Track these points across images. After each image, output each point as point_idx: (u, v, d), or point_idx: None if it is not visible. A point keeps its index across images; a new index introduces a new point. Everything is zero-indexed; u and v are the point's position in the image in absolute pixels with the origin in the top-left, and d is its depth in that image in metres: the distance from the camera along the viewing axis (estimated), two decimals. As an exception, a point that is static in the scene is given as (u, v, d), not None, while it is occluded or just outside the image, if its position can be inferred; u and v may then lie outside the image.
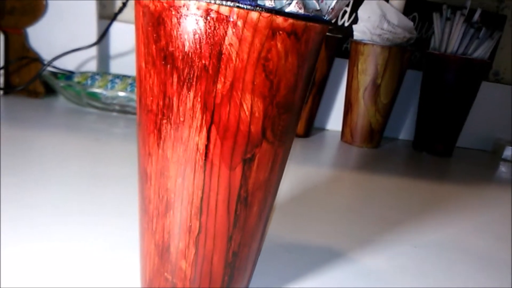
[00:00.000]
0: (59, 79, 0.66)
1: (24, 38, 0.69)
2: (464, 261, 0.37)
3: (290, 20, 0.21)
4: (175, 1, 0.21)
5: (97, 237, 0.32)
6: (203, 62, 0.22)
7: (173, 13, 0.21)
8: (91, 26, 0.71)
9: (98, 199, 0.38)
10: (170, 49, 0.22)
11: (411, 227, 0.44)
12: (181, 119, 0.23)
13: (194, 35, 0.21)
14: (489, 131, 0.81)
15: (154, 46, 0.23)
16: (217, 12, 0.21)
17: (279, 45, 0.22)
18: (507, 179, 0.66)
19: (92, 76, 0.66)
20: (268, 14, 0.21)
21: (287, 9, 0.21)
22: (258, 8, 0.20)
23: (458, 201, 0.52)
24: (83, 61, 0.73)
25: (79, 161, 0.46)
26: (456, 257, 0.37)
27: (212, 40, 0.21)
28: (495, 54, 0.79)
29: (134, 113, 0.66)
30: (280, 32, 0.21)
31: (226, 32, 0.21)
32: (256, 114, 0.23)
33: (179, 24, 0.21)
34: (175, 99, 0.23)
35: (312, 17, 0.22)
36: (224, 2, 0.20)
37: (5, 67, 0.65)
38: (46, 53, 0.70)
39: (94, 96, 0.63)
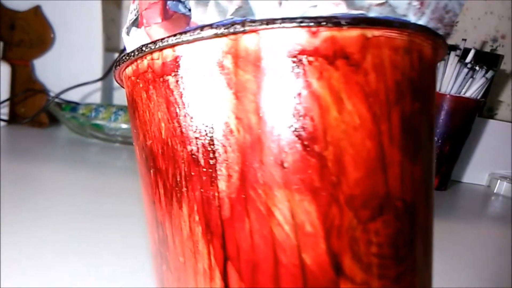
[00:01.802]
0: (64, 110, 0.65)
1: (30, 69, 0.69)
2: None
3: (324, 33, 0.11)
4: (139, 65, 0.13)
5: (98, 276, 0.29)
6: (189, 148, 0.12)
7: (141, 85, 0.13)
8: (97, 59, 0.70)
9: (100, 235, 0.35)
10: (148, 143, 0.13)
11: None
12: (181, 259, 0.13)
13: (168, 107, 0.12)
14: (484, 166, 0.81)
15: (137, 148, 0.15)
16: (189, 57, 0.12)
17: (315, 83, 0.11)
18: (499, 213, 0.64)
19: (97, 108, 0.65)
20: (273, 30, 0.11)
21: (314, 12, 0.11)
22: (249, 23, 0.11)
23: (451, 236, 0.49)
24: (88, 92, 0.72)
25: (81, 194, 0.44)
26: None
27: (192, 107, 0.12)
28: (489, 91, 0.78)
29: None
30: (310, 58, 0.11)
31: (210, 86, 0.11)
32: (308, 228, 0.11)
33: (150, 99, 0.13)
34: (167, 225, 0.13)
35: (373, 19, 0.11)
36: (190, 35, 0.11)
37: (11, 98, 0.65)
38: (52, 84, 0.70)
39: (97, 127, 0.62)
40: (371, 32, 0.11)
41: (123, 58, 0.14)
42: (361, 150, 0.11)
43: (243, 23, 0.11)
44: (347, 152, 0.11)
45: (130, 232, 0.36)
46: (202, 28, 0.11)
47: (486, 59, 0.73)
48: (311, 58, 0.11)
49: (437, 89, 0.69)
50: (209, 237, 0.12)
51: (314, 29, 0.11)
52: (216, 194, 0.12)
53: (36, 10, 0.68)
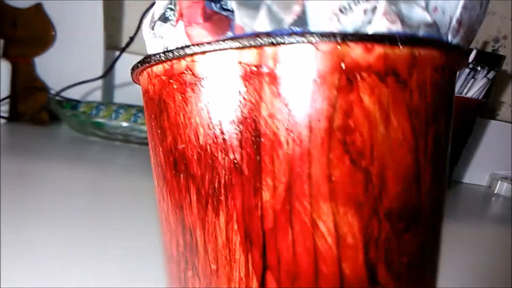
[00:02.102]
0: (65, 108, 0.65)
1: (32, 67, 0.69)
2: None
3: (378, 50, 0.11)
4: (175, 66, 0.12)
5: (98, 273, 0.28)
6: (231, 157, 0.12)
7: (175, 86, 0.13)
8: (98, 57, 0.70)
9: (100, 233, 0.35)
10: (180, 146, 0.13)
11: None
12: (213, 267, 0.13)
13: (209, 112, 0.12)
14: (485, 166, 0.81)
15: (161, 149, 0.14)
16: (240, 63, 0.11)
17: (366, 99, 0.11)
18: (500, 214, 0.64)
19: (97, 106, 0.65)
20: (331, 45, 0.11)
21: (369, 30, 0.11)
22: (308, 36, 0.11)
23: (451, 236, 0.48)
24: (89, 90, 0.72)
25: (82, 192, 0.44)
26: None
27: (240, 114, 0.12)
28: (491, 92, 0.77)
29: (136, 143, 0.63)
30: (364, 74, 0.11)
31: (260, 95, 0.11)
32: (349, 240, 0.12)
33: (186, 102, 0.12)
34: (198, 231, 0.13)
35: (419, 38, 0.12)
36: (244, 42, 0.11)
37: (12, 95, 0.65)
38: (53, 82, 0.69)
39: (98, 125, 0.62)
40: (418, 51, 0.12)
41: (153, 56, 0.13)
42: (401, 165, 0.12)
43: (302, 34, 0.11)
44: (390, 167, 0.12)
45: (131, 229, 0.36)
46: (257, 35, 0.11)
47: (488, 59, 0.71)
48: (364, 74, 0.11)
49: None
50: (248, 246, 0.12)
51: (369, 45, 0.11)
52: (259, 204, 0.12)
53: (38, 8, 0.67)
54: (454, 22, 0.12)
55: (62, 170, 0.49)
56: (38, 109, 0.66)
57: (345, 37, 0.11)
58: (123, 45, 0.68)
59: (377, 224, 0.12)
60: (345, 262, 0.12)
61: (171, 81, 0.13)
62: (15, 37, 0.67)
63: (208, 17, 0.12)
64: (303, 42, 0.11)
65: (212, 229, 0.13)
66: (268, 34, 0.11)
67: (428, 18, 0.12)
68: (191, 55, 0.12)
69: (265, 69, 0.11)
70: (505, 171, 0.81)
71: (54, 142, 0.61)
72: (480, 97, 0.68)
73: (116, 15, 0.77)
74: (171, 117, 0.13)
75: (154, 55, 0.13)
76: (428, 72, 0.12)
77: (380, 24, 0.11)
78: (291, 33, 0.11)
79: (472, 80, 0.66)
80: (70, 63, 0.70)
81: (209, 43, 0.11)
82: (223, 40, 0.11)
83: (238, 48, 0.11)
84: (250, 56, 0.11)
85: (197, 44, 0.12)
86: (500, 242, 0.51)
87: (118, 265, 0.29)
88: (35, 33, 0.68)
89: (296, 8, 0.11)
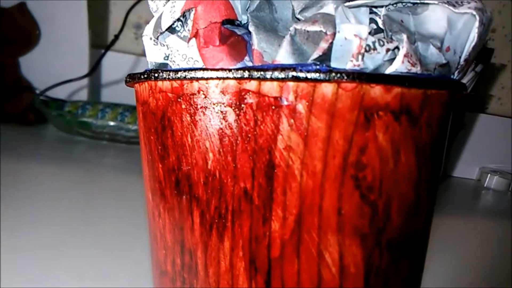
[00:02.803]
0: (50, 108, 0.64)
1: (16, 67, 0.67)
2: None
3: (397, 89, 0.11)
4: (185, 86, 0.12)
5: (83, 273, 0.28)
6: (242, 185, 0.12)
7: (184, 106, 0.12)
8: (84, 55, 0.69)
9: (86, 232, 0.35)
10: (185, 168, 0.13)
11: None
12: (215, 284, 0.13)
13: (221, 139, 0.12)
14: (475, 160, 0.81)
15: (160, 166, 0.13)
16: (258, 93, 0.11)
17: (380, 137, 0.11)
18: (490, 207, 0.65)
19: (83, 105, 0.64)
20: (354, 84, 0.11)
21: (390, 69, 0.11)
22: (334, 74, 0.10)
23: (442, 229, 0.49)
24: (74, 90, 0.70)
25: (68, 192, 0.44)
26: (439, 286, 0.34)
27: (254, 144, 0.11)
28: (480, 86, 0.76)
29: (123, 142, 0.63)
30: (381, 113, 0.11)
31: (277, 126, 0.11)
32: (352, 269, 0.12)
33: (195, 124, 0.12)
34: (199, 254, 0.13)
35: (435, 79, 0.12)
36: (268, 74, 0.11)
37: None
38: (38, 82, 0.68)
39: (84, 125, 0.61)
40: (430, 90, 0.12)
41: (161, 73, 0.12)
42: (405, 198, 0.12)
43: (327, 73, 0.10)
44: (395, 200, 0.12)
45: (118, 229, 0.35)
46: (283, 69, 0.10)
47: (478, 53, 0.75)
48: (381, 113, 0.11)
49: None
50: (252, 273, 0.12)
51: (389, 86, 0.11)
52: (268, 233, 0.12)
53: (22, 7, 0.64)
54: (462, 60, 0.13)
55: (49, 171, 0.48)
56: (24, 109, 0.65)
57: (369, 78, 0.11)
58: (109, 43, 0.66)
59: (379, 253, 0.12)
60: (346, 290, 0.12)
61: (179, 100, 0.12)
62: (-1, 37, 0.65)
63: (225, 38, 0.12)
64: (327, 80, 0.10)
65: (215, 253, 0.12)
66: (292, 68, 0.10)
67: (442, 59, 0.12)
68: (207, 79, 0.11)
69: (284, 102, 0.11)
70: (495, 165, 0.81)
71: (40, 142, 0.60)
72: (468, 91, 0.72)
73: (101, 13, 0.74)
74: (176, 137, 0.12)
75: (163, 71, 0.12)
76: (436, 108, 0.12)
77: (402, 65, 0.11)
78: (316, 70, 0.10)
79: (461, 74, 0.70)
80: (55, 62, 0.69)
81: (230, 70, 0.11)
82: (245, 70, 0.11)
83: (259, 79, 0.11)
84: (270, 87, 0.11)
85: (216, 69, 0.11)
86: (490, 235, 0.51)
87: (105, 265, 0.29)
88: (19, 32, 0.67)
89: (323, 45, 0.10)
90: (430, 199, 0.13)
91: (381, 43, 0.11)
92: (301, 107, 0.11)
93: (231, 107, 0.11)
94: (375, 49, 0.11)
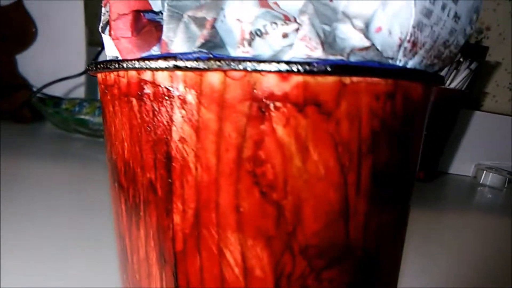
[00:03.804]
0: (47, 105, 0.64)
1: (13, 64, 0.67)
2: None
3: (296, 78, 0.10)
4: (107, 77, 0.12)
5: (81, 269, 0.28)
6: (148, 176, 0.12)
7: (109, 97, 0.13)
8: (80, 53, 0.69)
9: (84, 229, 0.34)
10: (114, 156, 0.13)
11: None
12: (137, 277, 0.13)
13: (131, 129, 0.12)
14: (470, 157, 0.82)
15: (106, 156, 0.14)
16: (154, 83, 0.11)
17: (280, 130, 0.10)
18: (485, 203, 0.65)
19: (80, 102, 0.64)
20: (242, 72, 0.10)
21: (287, 55, 0.10)
22: (213, 62, 0.10)
23: (437, 226, 0.50)
24: (71, 87, 0.71)
25: (66, 189, 0.43)
26: (434, 283, 0.33)
27: (154, 135, 0.11)
28: (475, 83, 0.76)
29: None
30: (278, 104, 0.10)
31: (171, 117, 0.11)
32: (257, 272, 0.11)
33: (115, 115, 0.12)
34: (127, 241, 0.13)
35: (352, 65, 0.10)
36: (154, 63, 0.11)
37: None
38: (35, 80, 0.68)
39: (81, 122, 0.61)
40: (349, 78, 0.10)
41: (91, 65, 0.13)
42: (322, 202, 0.11)
43: (208, 60, 0.10)
44: (308, 203, 0.11)
45: (110, 222, 0.35)
46: (166, 58, 0.10)
47: (471, 51, 0.72)
48: (278, 104, 0.10)
49: None
50: (162, 264, 0.12)
51: (285, 74, 0.10)
52: (171, 225, 0.12)
53: (18, 4, 0.66)
54: (406, 43, 0.11)
55: (46, 168, 0.48)
56: (20, 106, 0.65)
57: (256, 64, 0.10)
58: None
59: (291, 259, 0.11)
60: (253, 294, 0.11)
61: (106, 91, 0.13)
62: (-5, 34, 0.65)
63: (138, 29, 0.12)
64: (210, 68, 0.10)
65: (136, 241, 0.13)
66: (174, 57, 0.10)
67: (365, 41, 0.10)
68: (115, 70, 0.12)
69: (176, 92, 0.11)
70: (490, 162, 0.82)
71: (37, 140, 0.60)
72: (463, 88, 0.67)
73: (98, 11, 0.75)
74: (107, 126, 0.13)
75: (96, 63, 0.13)
76: (364, 100, 0.11)
77: (299, 51, 0.10)
78: (196, 59, 0.10)
79: (455, 71, 0.66)
80: (52, 60, 0.69)
81: (130, 60, 0.11)
82: (139, 60, 0.11)
83: (152, 69, 0.11)
84: (162, 77, 0.11)
85: (120, 61, 0.11)
86: (486, 231, 0.52)
87: (103, 260, 0.29)
88: (16, 30, 0.67)
89: (204, 32, 0.10)
90: (375, 204, 0.12)
91: (275, 26, 0.10)
92: (190, 97, 0.10)
93: (135, 97, 0.11)
94: (267, 33, 0.10)
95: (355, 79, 0.10)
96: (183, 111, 0.11)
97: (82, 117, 0.61)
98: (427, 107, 0.13)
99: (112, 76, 0.12)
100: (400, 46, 0.11)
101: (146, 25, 0.12)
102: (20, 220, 0.34)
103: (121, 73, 0.12)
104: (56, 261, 0.28)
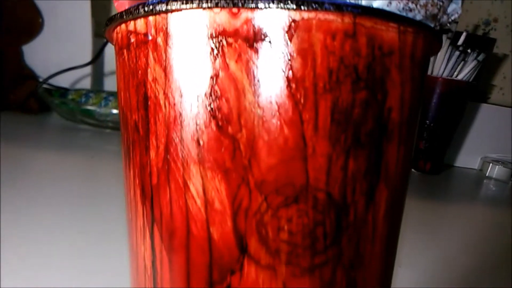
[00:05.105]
0: (53, 96, 0.64)
1: (20, 55, 0.67)
2: (449, 279, 0.34)
3: (245, 13, 0.11)
4: (113, 35, 0.14)
5: (89, 260, 0.28)
6: (134, 117, 0.13)
7: (116, 55, 0.15)
8: (86, 44, 0.69)
9: (91, 219, 0.34)
10: (118, 109, 0.15)
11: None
12: (129, 216, 0.15)
13: (124, 78, 0.14)
14: (477, 150, 0.81)
15: (119, 111, 0.16)
16: (135, 32, 0.13)
17: (232, 65, 0.11)
18: (491, 196, 0.64)
19: (86, 93, 0.64)
20: (198, 10, 0.11)
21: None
22: (174, 3, 0.11)
23: (443, 218, 0.49)
24: (78, 78, 0.70)
25: (73, 179, 0.43)
26: (441, 274, 0.34)
27: (136, 79, 0.13)
28: (482, 75, 0.74)
29: None
30: (230, 40, 0.11)
31: (147, 61, 0.12)
32: (217, 205, 0.12)
33: (117, 69, 0.14)
34: (125, 180, 0.15)
35: (301, 1, 0.11)
36: (137, 13, 0.12)
37: (0, 85, 0.63)
38: (41, 71, 0.68)
39: (88, 113, 0.61)
40: (300, 14, 0.11)
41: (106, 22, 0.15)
42: (277, 138, 0.11)
43: (167, 2, 0.11)
44: (261, 138, 0.11)
45: (121, 214, 0.35)
46: (142, 6, 0.12)
47: (479, 43, 0.70)
48: (230, 40, 0.11)
49: (429, 72, 0.68)
50: (143, 199, 0.13)
51: (235, 10, 0.11)
52: (148, 161, 0.13)
53: None
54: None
55: (53, 158, 0.48)
56: (27, 97, 0.65)
57: (204, 2, 0.11)
58: None
59: (247, 193, 0.11)
60: (213, 226, 0.12)
61: (115, 50, 0.15)
62: (2, 25, 0.65)
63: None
64: (169, 10, 0.11)
65: (128, 180, 0.14)
66: (148, 5, 0.12)
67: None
68: (114, 26, 0.14)
69: (149, 37, 0.12)
70: (497, 154, 0.81)
71: (44, 130, 0.60)
72: (470, 80, 0.67)
73: (104, 2, 0.75)
74: (118, 76, 0.15)
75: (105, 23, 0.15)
76: (318, 38, 0.11)
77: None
78: (158, 2, 0.11)
79: (462, 63, 0.66)
80: (58, 51, 0.69)
81: (120, 14, 0.13)
82: (126, 12, 0.13)
83: (133, 19, 0.12)
84: (141, 25, 0.12)
85: (114, 16, 0.13)
86: (492, 223, 0.51)
87: (110, 250, 0.29)
88: (22, 21, 0.66)
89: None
90: (338, 147, 0.11)
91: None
92: (160, 40, 0.12)
93: (126, 48, 0.13)
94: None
95: (305, 15, 0.11)
96: (155, 54, 0.12)
97: (89, 107, 0.61)
98: (412, 61, 0.12)
99: (115, 34, 0.14)
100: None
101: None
102: (27, 210, 0.34)
103: (118, 29, 0.14)
104: (63, 251, 0.28)
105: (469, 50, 0.66)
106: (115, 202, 0.38)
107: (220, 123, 0.11)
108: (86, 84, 0.73)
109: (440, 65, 0.67)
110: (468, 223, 0.50)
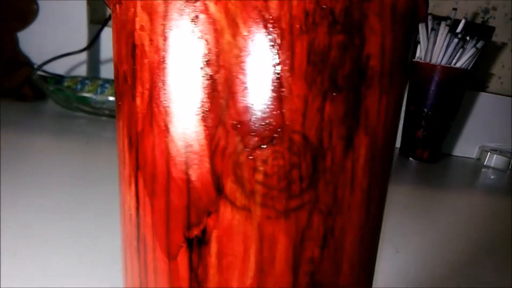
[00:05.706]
0: (49, 83, 0.63)
1: (15, 42, 0.66)
2: (446, 265, 0.35)
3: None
4: (110, -1, 0.15)
5: (84, 245, 0.28)
6: (123, 68, 0.14)
7: (111, 7, 0.15)
8: (82, 30, 0.68)
9: (87, 205, 0.34)
10: (114, 59, 0.16)
11: (394, 231, 0.40)
12: (120, 168, 0.15)
13: (117, 32, 0.14)
14: (475, 139, 0.81)
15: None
16: (126, -15, 0.13)
17: (212, 7, 0.11)
18: (489, 185, 0.65)
19: (82, 80, 0.63)
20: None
21: None
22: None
23: (441, 207, 0.49)
24: (73, 65, 0.70)
25: (68, 167, 0.43)
26: (438, 261, 0.35)
27: (126, 30, 0.13)
28: (480, 64, 0.77)
29: None
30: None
31: (136, 10, 0.13)
32: (195, 146, 0.12)
33: (113, 22, 0.15)
34: (117, 135, 0.15)
35: None
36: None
37: None
38: (36, 57, 0.68)
39: (83, 100, 0.60)
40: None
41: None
42: (252, 77, 0.11)
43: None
44: (238, 78, 0.11)
45: (116, 199, 0.35)
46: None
47: (478, 31, 0.71)
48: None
49: (428, 60, 0.69)
50: (129, 148, 0.14)
51: (213, -48, 0.11)
52: (135, 109, 0.13)
53: None
54: None
55: (48, 146, 0.48)
56: (21, 84, 0.64)
57: None
58: (107, 18, 0.65)
59: (224, 134, 0.12)
60: (191, 168, 0.12)
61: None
62: (-3, 12, 0.63)
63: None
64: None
65: (118, 132, 0.15)
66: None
67: None
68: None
69: (138, -13, 0.13)
70: (495, 143, 0.82)
71: (39, 118, 0.59)
72: (469, 68, 0.67)
73: None
74: (112, 34, 0.16)
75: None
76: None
77: None
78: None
79: (461, 50, 0.66)
80: (54, 37, 0.69)
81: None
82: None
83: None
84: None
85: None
86: (490, 212, 0.52)
87: (104, 233, 0.29)
88: (17, 7, 0.66)
89: None
90: (314, 89, 0.12)
91: None
92: (146, -13, 0.12)
93: (118, 3, 0.14)
94: None
95: None
96: (143, 2, 0.13)
97: (84, 95, 0.60)
98: (393, 12, 0.12)
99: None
100: None
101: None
102: (22, 197, 0.34)
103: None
104: (60, 236, 0.28)
105: (468, 38, 0.65)
106: (111, 189, 0.38)
107: (201, 65, 0.12)
108: (82, 71, 0.72)
109: (439, 52, 0.67)
110: (466, 211, 0.50)
